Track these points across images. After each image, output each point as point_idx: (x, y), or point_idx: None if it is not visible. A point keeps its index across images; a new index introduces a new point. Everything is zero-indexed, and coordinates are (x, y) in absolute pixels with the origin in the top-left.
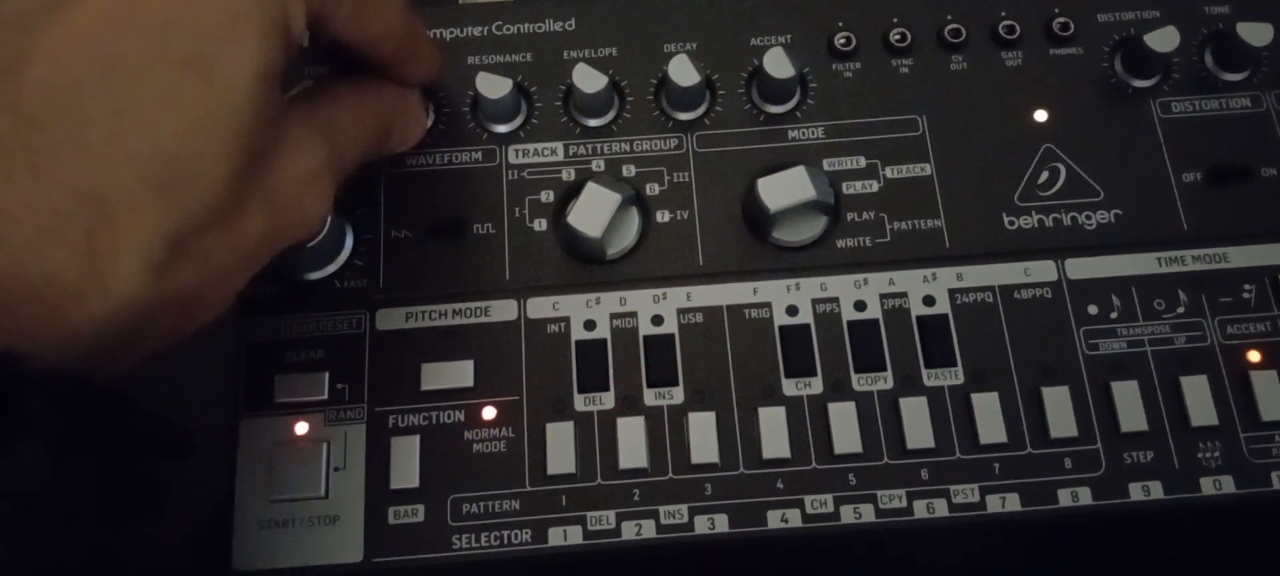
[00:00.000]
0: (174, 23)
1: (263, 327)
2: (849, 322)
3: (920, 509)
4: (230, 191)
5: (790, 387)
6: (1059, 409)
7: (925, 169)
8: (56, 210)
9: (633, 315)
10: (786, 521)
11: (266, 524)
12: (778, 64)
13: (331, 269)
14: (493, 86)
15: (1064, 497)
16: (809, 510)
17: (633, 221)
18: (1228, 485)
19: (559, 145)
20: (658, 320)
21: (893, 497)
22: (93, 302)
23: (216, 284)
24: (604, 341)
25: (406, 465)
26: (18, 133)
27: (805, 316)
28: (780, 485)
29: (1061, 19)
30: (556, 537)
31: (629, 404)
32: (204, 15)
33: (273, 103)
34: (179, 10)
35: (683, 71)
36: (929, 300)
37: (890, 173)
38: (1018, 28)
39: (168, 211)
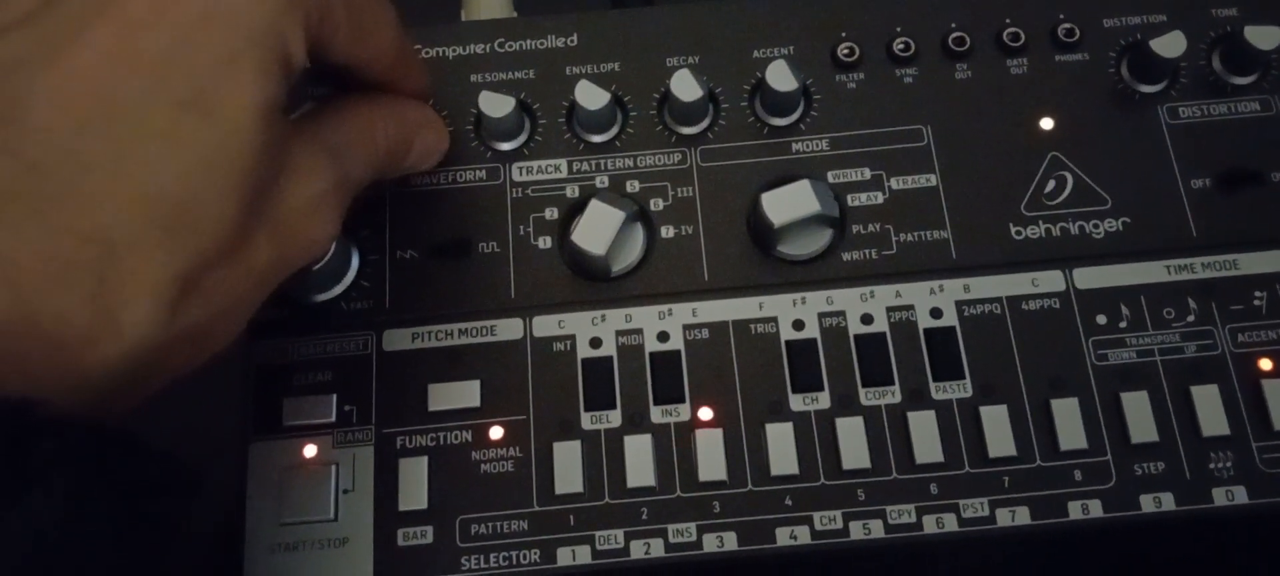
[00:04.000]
0: (173, 62)
1: (270, 350)
2: (856, 336)
3: (930, 524)
4: (237, 226)
5: (797, 403)
6: (1068, 420)
7: (931, 179)
8: (65, 256)
9: (638, 332)
10: (795, 538)
11: (277, 547)
12: (780, 76)
13: (338, 290)
14: (495, 105)
15: (1074, 510)
16: (818, 526)
17: (637, 237)
18: (1240, 495)
19: (562, 162)
20: (663, 336)
21: (902, 513)
22: (106, 345)
23: (227, 315)
24: (610, 359)
25: (415, 486)
26: (21, 180)
27: (812, 331)
28: (788, 502)
29: (1067, 25)
30: (565, 558)
31: (636, 421)
32: (203, 53)
33: (276, 133)
34: (177, 50)
35: (685, 86)
36: (936, 312)
37: (895, 184)
38: (1022, 35)
39: (175, 251)
